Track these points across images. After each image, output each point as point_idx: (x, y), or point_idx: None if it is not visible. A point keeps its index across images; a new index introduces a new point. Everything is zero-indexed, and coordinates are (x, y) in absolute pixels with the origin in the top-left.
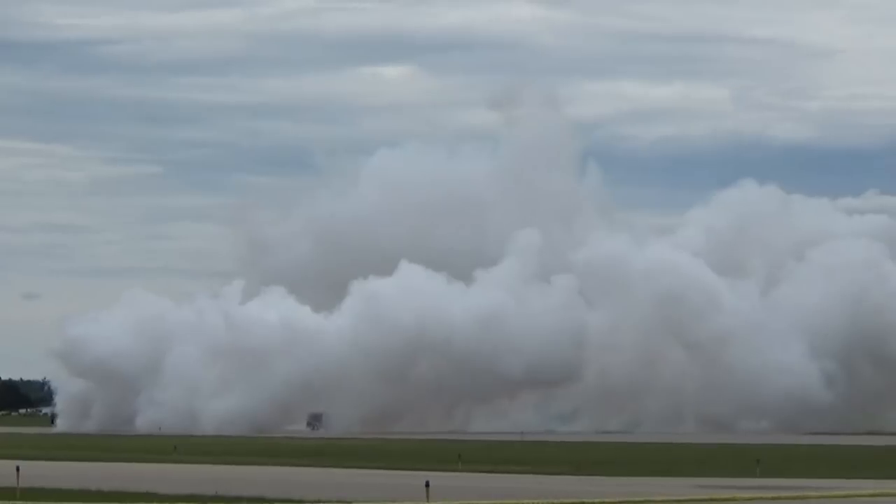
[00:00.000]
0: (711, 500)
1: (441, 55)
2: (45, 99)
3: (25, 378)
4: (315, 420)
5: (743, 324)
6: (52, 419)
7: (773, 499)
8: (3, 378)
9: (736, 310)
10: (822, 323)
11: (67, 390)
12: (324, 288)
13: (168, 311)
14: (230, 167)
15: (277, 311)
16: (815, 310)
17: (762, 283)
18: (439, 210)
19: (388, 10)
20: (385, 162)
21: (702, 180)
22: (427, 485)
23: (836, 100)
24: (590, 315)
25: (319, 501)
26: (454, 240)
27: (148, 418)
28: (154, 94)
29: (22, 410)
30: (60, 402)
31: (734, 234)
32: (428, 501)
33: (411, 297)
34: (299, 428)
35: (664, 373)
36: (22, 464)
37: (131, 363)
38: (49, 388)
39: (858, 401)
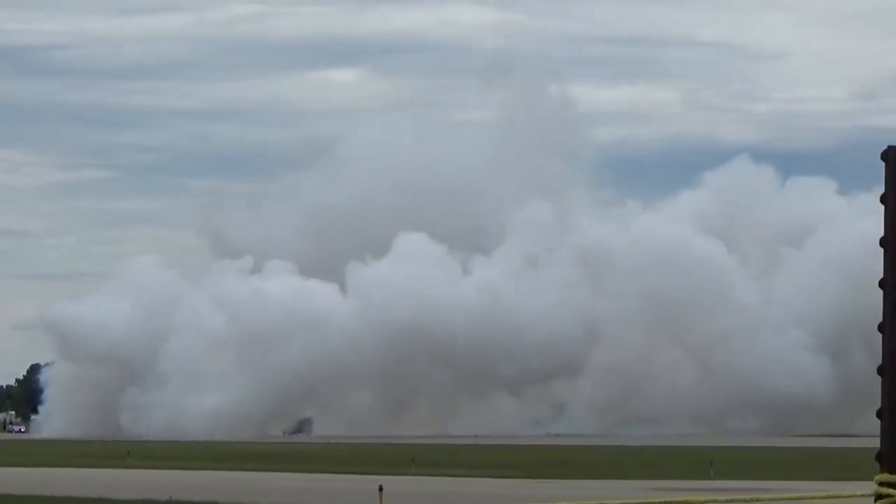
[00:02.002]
0: (665, 502)
1: (390, 58)
2: None
3: None
4: (303, 425)
5: (742, 316)
6: (3, 425)
7: (727, 501)
8: None
9: (737, 302)
10: (822, 315)
11: (55, 390)
12: (317, 275)
13: (171, 289)
14: (181, 172)
15: (281, 289)
16: (814, 300)
17: (758, 269)
18: (427, 190)
19: (336, 15)
20: (365, 147)
21: (651, 183)
22: (380, 489)
23: (784, 102)
24: (589, 305)
25: None
26: (447, 220)
27: (134, 420)
28: (103, 99)
29: None
30: (50, 402)
31: (727, 216)
32: None
33: (408, 285)
34: (287, 432)
35: (661, 369)
36: None
37: (127, 350)
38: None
39: (859, 400)
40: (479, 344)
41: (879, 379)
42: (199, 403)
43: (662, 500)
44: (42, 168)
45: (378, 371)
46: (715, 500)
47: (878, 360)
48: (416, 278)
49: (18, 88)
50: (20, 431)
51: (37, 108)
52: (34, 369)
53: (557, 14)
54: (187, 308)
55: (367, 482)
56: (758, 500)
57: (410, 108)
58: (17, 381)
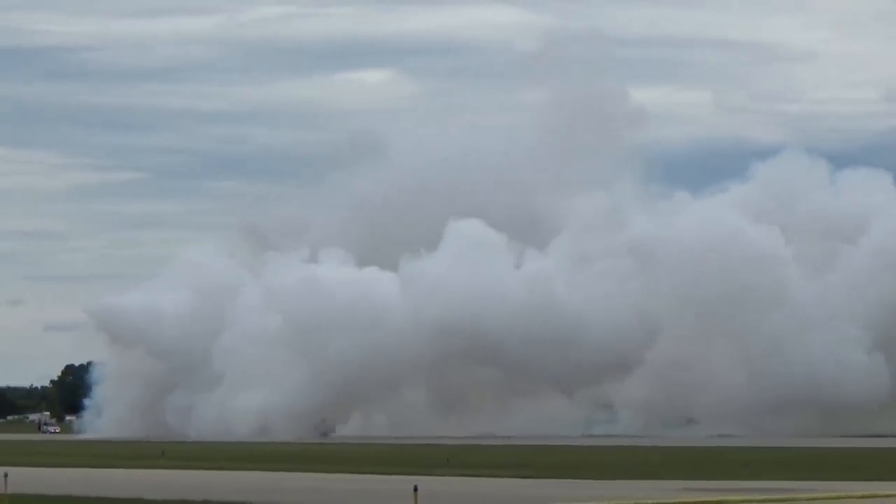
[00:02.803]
0: (701, 502)
1: (419, 59)
2: (24, 106)
3: (12, 385)
4: (324, 427)
5: (796, 312)
6: (38, 426)
7: (762, 501)
8: None
9: (790, 296)
10: (877, 312)
11: (102, 389)
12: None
13: (224, 280)
14: (210, 174)
15: (336, 279)
16: (868, 296)
17: (812, 264)
18: (475, 183)
19: (365, 16)
20: (410, 141)
21: (683, 184)
22: (415, 489)
23: (815, 103)
24: (642, 301)
25: None
26: (497, 212)
27: (181, 420)
28: (132, 101)
29: (10, 417)
30: (96, 401)
31: (778, 209)
32: None
33: (460, 279)
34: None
35: (712, 367)
36: (10, 470)
37: (177, 345)
38: (40, 392)
39: None
40: (530, 340)
41: None
42: (247, 402)
43: (695, 500)
44: (71, 170)
45: (428, 368)
46: (752, 500)
47: None
48: (468, 272)
49: (48, 90)
50: (55, 432)
51: (66, 110)
52: (69, 370)
53: (588, 16)
54: (241, 301)
55: (403, 482)
56: (794, 500)
57: (452, 105)
58: (52, 381)
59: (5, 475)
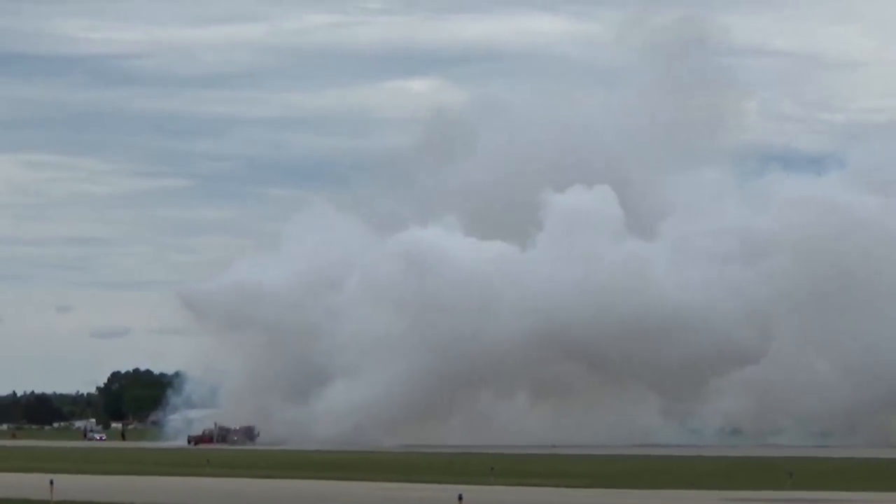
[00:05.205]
0: None
1: (466, 68)
2: (72, 113)
3: (59, 391)
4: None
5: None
6: (84, 433)
7: None
8: (35, 392)
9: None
10: None
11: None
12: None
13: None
14: (257, 180)
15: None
16: None
17: None
18: (575, 163)
19: (411, 24)
20: (501, 129)
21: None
22: (460, 498)
23: (861, 112)
24: (747, 291)
25: None
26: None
27: (265, 426)
28: (179, 107)
29: (56, 424)
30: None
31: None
32: None
33: (555, 266)
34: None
35: (817, 367)
36: (56, 477)
37: (279, 328)
38: (85, 398)
39: None
40: (625, 336)
41: None
42: (334, 406)
43: None
44: (118, 176)
45: (522, 367)
46: None
47: None
48: (564, 258)
49: (95, 97)
50: (101, 439)
51: (113, 116)
52: (115, 377)
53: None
54: (345, 287)
55: (445, 491)
56: None
57: (531, 101)
58: (98, 388)
59: (51, 482)
